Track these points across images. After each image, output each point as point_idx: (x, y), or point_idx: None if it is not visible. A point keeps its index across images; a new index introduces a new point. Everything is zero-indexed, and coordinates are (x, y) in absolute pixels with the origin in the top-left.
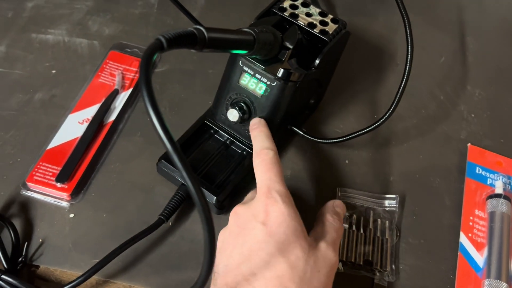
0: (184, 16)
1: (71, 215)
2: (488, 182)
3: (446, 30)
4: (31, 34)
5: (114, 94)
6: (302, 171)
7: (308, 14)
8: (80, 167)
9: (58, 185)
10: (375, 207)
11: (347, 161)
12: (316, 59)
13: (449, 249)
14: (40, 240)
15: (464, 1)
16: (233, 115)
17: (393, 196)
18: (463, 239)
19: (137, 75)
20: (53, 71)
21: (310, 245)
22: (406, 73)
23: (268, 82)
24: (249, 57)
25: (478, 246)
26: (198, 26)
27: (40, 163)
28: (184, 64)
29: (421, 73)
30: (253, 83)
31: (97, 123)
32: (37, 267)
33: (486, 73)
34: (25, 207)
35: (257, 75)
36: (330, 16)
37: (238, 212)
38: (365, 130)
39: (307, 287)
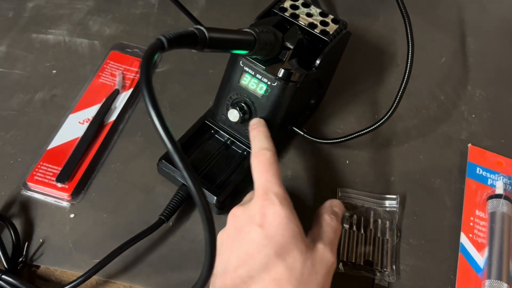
0: (184, 16)
1: (72, 215)
2: (489, 183)
3: (446, 30)
4: (32, 34)
5: (115, 94)
6: (303, 171)
7: (309, 15)
8: (80, 167)
9: (59, 185)
10: (376, 208)
11: (347, 161)
12: (316, 60)
13: (449, 249)
14: (41, 240)
15: (465, 1)
16: (233, 115)
17: (394, 196)
18: (463, 239)
19: (138, 75)
20: (54, 71)
21: (308, 247)
22: (407, 73)
23: (269, 82)
24: (250, 57)
25: (479, 247)
26: (198, 26)
27: (41, 163)
28: (184, 64)
29: (422, 74)
30: (254, 83)
31: (97, 123)
32: (38, 267)
33: (486, 73)
34: (26, 207)
35: (257, 75)
36: (331, 17)
37: (235, 214)
38: (366, 131)
39: None
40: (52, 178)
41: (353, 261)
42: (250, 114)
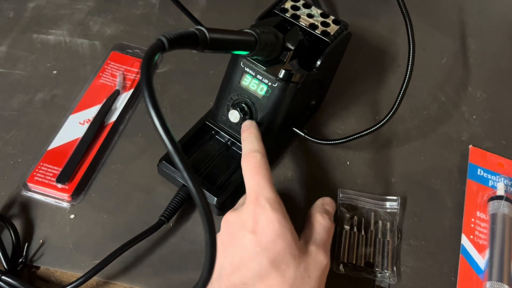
0: (185, 16)
1: (72, 216)
2: (490, 184)
3: (447, 31)
4: (33, 34)
5: (115, 95)
6: (303, 172)
7: (310, 15)
8: (80, 168)
9: (59, 185)
10: (376, 209)
11: (348, 162)
12: (317, 60)
13: (450, 251)
14: (41, 240)
15: (465, 2)
16: (234, 116)
17: (394, 197)
18: (464, 241)
19: (138, 75)
20: (54, 72)
21: (300, 251)
22: (408, 74)
23: (270, 83)
24: (251, 58)
25: (480, 248)
26: (199, 27)
27: (41, 163)
28: (185, 64)
29: (422, 74)
30: (255, 84)
31: (98, 123)
32: (38, 268)
33: (487, 74)
34: (26, 207)
35: (258, 76)
36: (332, 17)
37: (228, 220)
38: (367, 132)
39: None
40: (52, 179)
41: (354, 262)
42: (250, 115)
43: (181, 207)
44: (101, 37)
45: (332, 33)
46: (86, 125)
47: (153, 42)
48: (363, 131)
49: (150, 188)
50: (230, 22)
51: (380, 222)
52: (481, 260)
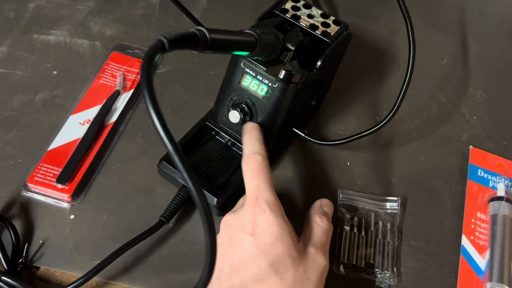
0: (185, 17)
1: (72, 216)
2: (490, 185)
3: (447, 31)
4: (33, 34)
5: (116, 95)
6: (303, 172)
7: (310, 16)
8: (81, 168)
9: (59, 186)
10: (377, 209)
11: (348, 163)
12: (318, 61)
13: (451, 251)
14: (41, 241)
15: (466, 2)
16: (234, 116)
17: (395, 198)
18: (465, 241)
19: (139, 76)
20: (55, 72)
21: (300, 253)
22: (408, 75)
23: (270, 84)
24: (251, 59)
25: (480, 249)
26: (199, 27)
27: (41, 164)
28: (185, 65)
29: (423, 75)
30: (255, 84)
31: (98, 124)
32: (38, 268)
33: (488, 75)
34: (26, 208)
35: (258, 77)
36: (332, 18)
37: (227, 222)
38: (367, 132)
39: None
40: (53, 179)
41: (354, 263)
42: (251, 115)
43: (181, 207)
44: (101, 38)
45: (332, 34)
46: (86, 126)
47: (154, 42)
48: (363, 132)
49: (150, 189)
50: (231, 23)
51: (380, 223)
52: (481, 261)
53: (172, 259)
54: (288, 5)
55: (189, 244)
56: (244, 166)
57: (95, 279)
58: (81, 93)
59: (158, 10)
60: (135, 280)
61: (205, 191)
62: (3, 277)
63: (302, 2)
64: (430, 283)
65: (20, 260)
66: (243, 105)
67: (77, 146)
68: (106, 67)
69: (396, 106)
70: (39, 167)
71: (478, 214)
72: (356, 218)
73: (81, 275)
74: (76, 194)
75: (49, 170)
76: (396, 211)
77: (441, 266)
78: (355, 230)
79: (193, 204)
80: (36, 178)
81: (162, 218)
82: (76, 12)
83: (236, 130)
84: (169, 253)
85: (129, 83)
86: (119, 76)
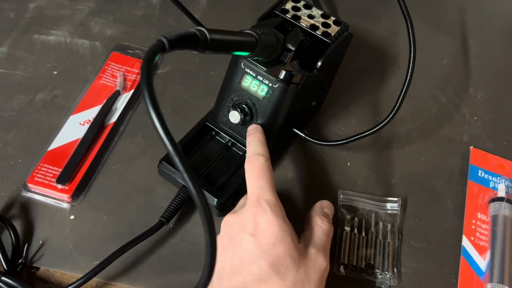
0: (186, 17)
1: (72, 217)
2: (491, 185)
3: (448, 32)
4: (33, 35)
5: (116, 95)
6: (304, 173)
7: (310, 16)
8: (81, 169)
9: (59, 186)
10: (377, 210)
11: (349, 164)
12: (318, 61)
13: (451, 252)
14: (41, 241)
15: (466, 3)
16: (234, 117)
17: (395, 199)
18: (465, 242)
19: (139, 76)
20: (55, 72)
21: (300, 254)
22: (409, 75)
23: (270, 84)
24: (251, 59)
25: (481, 250)
26: (200, 28)
27: (41, 164)
28: (186, 65)
29: (423, 76)
30: (255, 84)
31: (98, 124)
32: (37, 268)
33: (488, 75)
34: (26, 208)
35: (259, 77)
36: (332, 18)
37: (228, 222)
38: (367, 133)
39: None
40: (53, 180)
41: (354, 264)
42: (251, 115)
43: (181, 208)
44: (101, 38)
45: (333, 34)
46: (87, 126)
47: (154, 42)
48: (364, 132)
49: (150, 189)
50: (231, 23)
51: (380, 224)
52: (482, 262)
53: (172, 259)
54: (289, 6)
55: (189, 244)
56: (247, 167)
57: (95, 280)
58: (81, 93)
59: (159, 11)
60: (135, 280)
61: (205, 192)
62: (3, 278)
63: (302, 3)
64: (430, 283)
65: (20, 261)
66: (243, 106)
67: (77, 146)
68: (106, 67)
69: (397, 106)
70: (39, 167)
71: (479, 215)
72: (356, 218)
73: (81, 275)
74: (76, 195)
75: (49, 171)
76: (396, 212)
77: (442, 267)
78: (356, 230)
79: (193, 204)
80: (36, 179)
81: (162, 219)
82: (77, 12)
83: (236, 131)
84: (169, 253)
85: (129, 83)
86: (119, 76)
